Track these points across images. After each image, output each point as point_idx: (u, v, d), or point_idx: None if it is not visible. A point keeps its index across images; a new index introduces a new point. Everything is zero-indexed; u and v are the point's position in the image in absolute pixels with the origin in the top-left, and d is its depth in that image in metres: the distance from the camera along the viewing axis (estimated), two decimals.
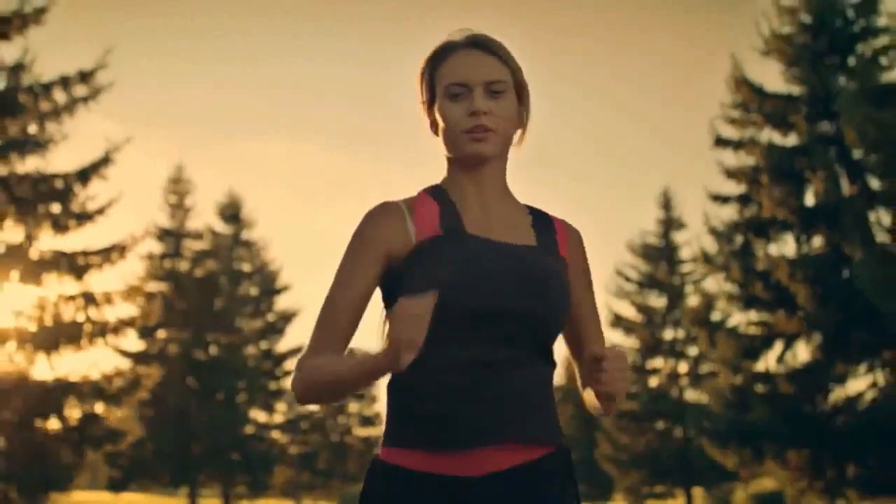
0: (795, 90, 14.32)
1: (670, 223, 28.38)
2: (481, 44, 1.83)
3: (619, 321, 27.89)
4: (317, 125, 46.60)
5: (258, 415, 28.32)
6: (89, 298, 13.23)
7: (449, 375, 1.73)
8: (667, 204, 28.84)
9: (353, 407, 34.90)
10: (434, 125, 1.86)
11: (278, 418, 29.58)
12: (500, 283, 1.74)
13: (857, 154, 13.29)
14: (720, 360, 14.31)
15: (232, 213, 29.60)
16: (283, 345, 29.04)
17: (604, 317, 29.37)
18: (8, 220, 12.96)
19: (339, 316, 1.81)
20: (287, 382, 29.11)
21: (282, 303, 30.20)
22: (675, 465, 25.60)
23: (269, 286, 29.65)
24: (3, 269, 12.81)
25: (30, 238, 13.08)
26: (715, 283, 14.91)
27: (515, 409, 1.75)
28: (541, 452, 1.78)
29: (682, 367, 27.40)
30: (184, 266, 26.50)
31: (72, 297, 13.22)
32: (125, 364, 16.22)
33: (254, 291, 29.41)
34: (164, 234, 26.26)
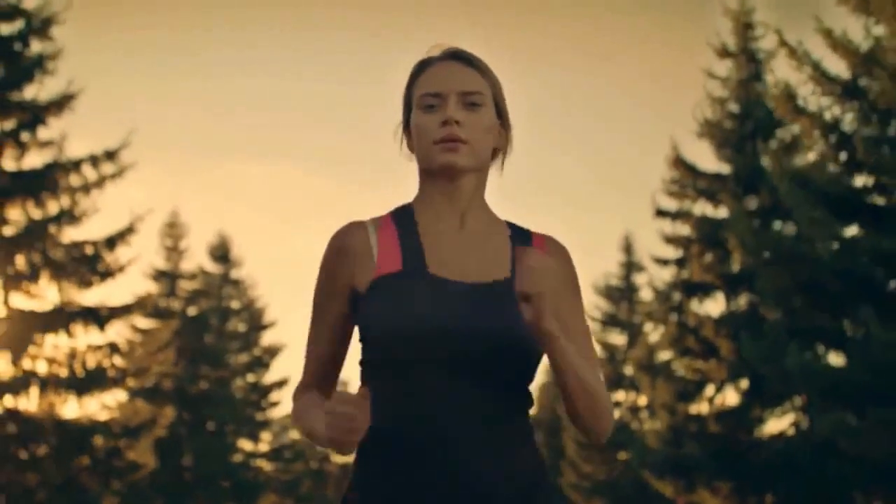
0: (724, 169, 16.75)
1: (631, 266, 30.83)
2: (458, 55, 1.78)
3: None
4: (296, 147, 47.89)
5: (245, 444, 30.40)
6: (114, 348, 15.41)
7: (396, 409, 1.67)
8: (628, 248, 31.30)
9: None
10: (410, 145, 1.81)
11: (263, 447, 31.65)
12: (445, 329, 1.66)
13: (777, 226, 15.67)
14: (659, 402, 16.66)
15: (222, 253, 31.74)
16: (268, 377, 31.15)
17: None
18: (43, 280, 15.15)
19: (319, 350, 1.81)
20: (272, 413, 31.32)
21: (268, 338, 32.31)
22: (634, 493, 27.88)
23: (256, 322, 31.79)
24: (39, 323, 14.97)
25: (61, 294, 15.26)
26: (657, 334, 17.30)
27: (478, 484, 1.64)
28: None
29: (643, 401, 29.72)
30: (177, 305, 28.61)
31: (98, 347, 15.39)
32: (121, 396, 18.32)
33: (241, 327, 31.53)
34: (159, 275, 28.37)
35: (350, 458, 1.77)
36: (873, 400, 8.65)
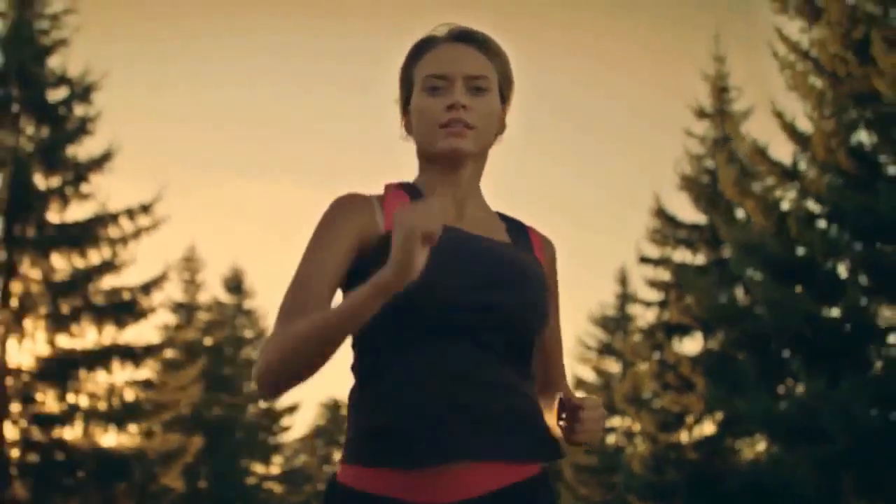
0: (701, 220, 18.51)
1: (626, 297, 32.50)
2: (466, 37, 1.73)
3: (580, 384, 31.96)
4: (291, 162, 48.93)
5: (257, 467, 32.11)
6: (147, 384, 17.17)
7: (415, 383, 1.58)
8: (623, 280, 32.99)
9: (337, 455, 38.70)
10: (409, 126, 1.75)
11: (275, 470, 33.35)
12: (474, 277, 1.61)
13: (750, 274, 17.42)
14: (643, 431, 18.38)
15: (235, 284, 33.55)
16: (279, 403, 32.87)
17: (567, 381, 33.29)
18: (84, 322, 16.93)
19: (313, 291, 1.61)
20: (283, 437, 33.08)
21: None
22: None
23: None
24: (81, 361, 16.73)
25: (100, 335, 17.05)
26: (642, 369, 19.05)
27: (492, 422, 1.58)
28: (521, 475, 1.60)
29: (637, 427, 31.41)
30: (194, 335, 30.40)
31: (134, 382, 17.16)
32: (154, 425, 20.04)
33: (255, 355, 33.29)
34: (178, 307, 30.16)
35: None
36: (805, 438, 10.36)
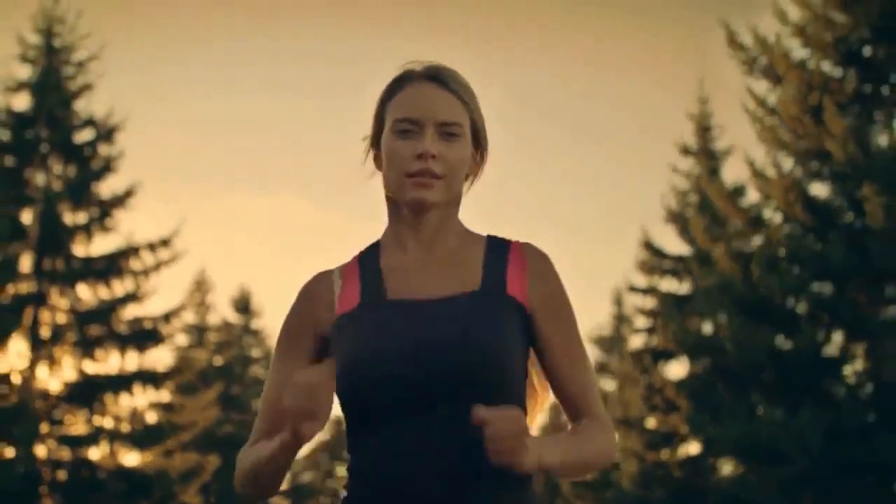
0: (686, 251, 19.81)
1: (621, 318, 33.82)
2: (440, 78, 1.71)
3: None
4: (307, 179, 49.53)
5: None
6: (167, 407, 18.47)
7: (365, 461, 1.66)
8: (618, 301, 34.30)
9: (341, 471, 40.08)
10: (377, 159, 1.76)
11: (282, 486, 34.55)
12: (400, 349, 1.62)
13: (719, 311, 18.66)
14: (631, 451, 19.66)
15: (243, 304, 34.86)
16: None
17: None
18: (109, 348, 18.23)
19: (271, 409, 1.76)
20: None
21: None
22: None
23: None
24: (106, 385, 18.03)
25: (123, 361, 18.35)
26: (631, 391, 20.32)
27: (435, 489, 1.59)
28: None
29: (627, 445, 32.68)
30: (204, 355, 31.70)
31: (155, 404, 18.46)
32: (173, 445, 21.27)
33: (261, 373, 34.57)
34: (189, 329, 31.46)
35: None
36: (767, 461, 11.64)
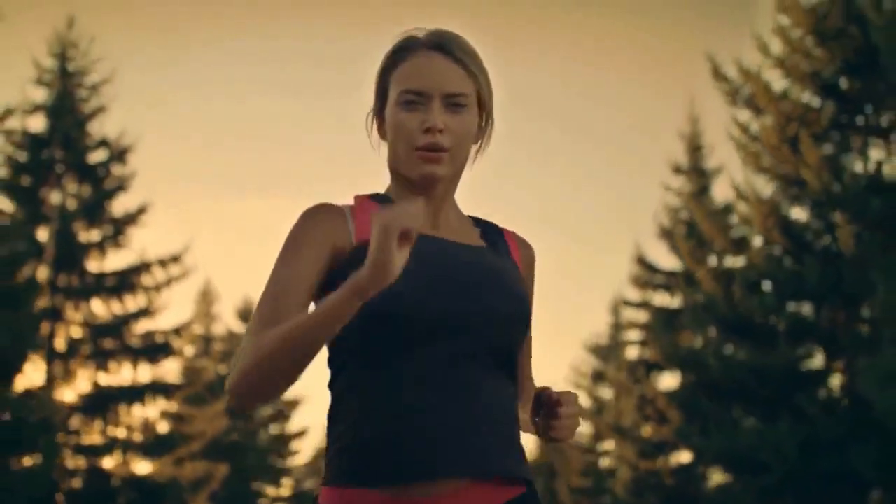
0: (677, 266, 20.62)
1: (618, 327, 34.59)
2: (446, 47, 1.67)
3: None
4: (296, 180, 49.44)
5: (269, 490, 34.17)
6: (178, 417, 19.28)
7: (397, 395, 1.54)
8: (615, 310, 35.05)
9: None
10: (382, 132, 1.73)
11: (285, 492, 35.41)
12: (452, 284, 1.58)
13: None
14: (625, 459, 20.46)
15: (247, 313, 35.67)
16: (289, 428, 34.96)
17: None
18: (122, 361, 19.05)
19: (289, 301, 1.57)
20: (293, 461, 35.17)
21: (289, 392, 36.07)
22: None
23: None
24: (119, 397, 18.83)
25: (136, 373, 19.17)
26: (626, 401, 21.12)
27: (479, 437, 1.54)
28: (509, 494, 1.57)
29: (621, 454, 33.50)
30: (210, 364, 32.52)
31: (166, 415, 19.26)
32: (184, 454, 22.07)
33: None
34: (196, 339, 32.24)
35: None
36: (748, 470, 12.45)
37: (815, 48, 13.45)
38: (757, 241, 13.46)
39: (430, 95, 1.64)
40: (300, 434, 34.90)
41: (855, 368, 11.82)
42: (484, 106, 1.71)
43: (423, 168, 1.65)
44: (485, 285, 1.60)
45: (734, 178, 14.20)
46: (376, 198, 1.73)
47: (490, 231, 1.77)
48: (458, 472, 1.51)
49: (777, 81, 13.90)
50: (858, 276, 11.40)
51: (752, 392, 12.65)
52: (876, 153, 13.33)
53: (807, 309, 12.77)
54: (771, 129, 13.02)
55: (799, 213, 13.15)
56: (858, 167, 13.18)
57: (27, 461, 14.71)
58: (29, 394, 15.17)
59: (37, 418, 13.93)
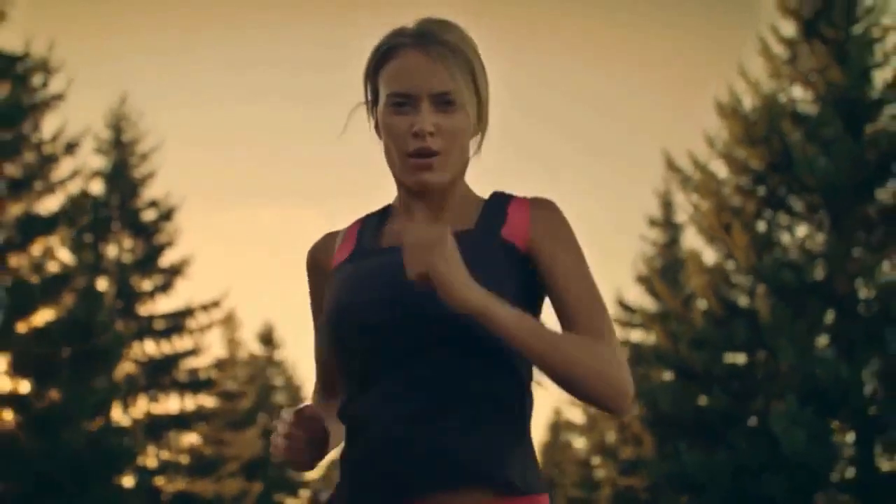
0: (654, 307, 24.05)
1: None
2: (433, 42, 1.65)
3: (569, 426, 37.52)
4: (313, 191, 51.08)
5: (289, 501, 37.67)
6: (220, 441, 22.82)
7: (357, 419, 1.62)
8: None
9: None
10: (378, 130, 1.73)
11: (302, 503, 38.91)
12: (373, 297, 1.61)
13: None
14: (606, 476, 23.93)
15: (266, 337, 39.24)
16: None
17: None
18: (170, 393, 22.55)
19: (318, 357, 1.84)
20: (309, 474, 38.56)
21: None
22: None
23: (295, 394, 39.21)
24: (169, 424, 22.35)
25: (183, 403, 22.69)
26: (607, 423, 24.61)
27: (430, 450, 1.55)
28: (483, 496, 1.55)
29: (602, 473, 36.90)
30: (234, 386, 36.03)
31: (209, 439, 22.81)
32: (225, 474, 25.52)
33: (282, 400, 38.89)
34: (221, 363, 35.77)
35: None
36: (689, 492, 15.93)
37: (741, 150, 16.88)
38: (701, 305, 16.93)
39: (417, 97, 1.64)
40: None
41: (771, 410, 15.19)
42: (479, 96, 1.69)
43: (416, 176, 1.66)
44: (398, 289, 1.59)
45: (689, 247, 17.63)
46: (372, 214, 1.81)
47: (495, 206, 1.72)
48: (429, 489, 1.54)
49: (720, 171, 17.35)
50: (774, 336, 14.86)
51: (696, 427, 16.13)
52: (801, 230, 16.77)
53: (741, 359, 16.23)
54: (711, 212, 16.49)
55: (735, 279, 16.61)
56: (779, 248, 16.55)
57: (126, 481, 18.22)
58: (108, 427, 18.66)
59: (122, 447, 17.41)
